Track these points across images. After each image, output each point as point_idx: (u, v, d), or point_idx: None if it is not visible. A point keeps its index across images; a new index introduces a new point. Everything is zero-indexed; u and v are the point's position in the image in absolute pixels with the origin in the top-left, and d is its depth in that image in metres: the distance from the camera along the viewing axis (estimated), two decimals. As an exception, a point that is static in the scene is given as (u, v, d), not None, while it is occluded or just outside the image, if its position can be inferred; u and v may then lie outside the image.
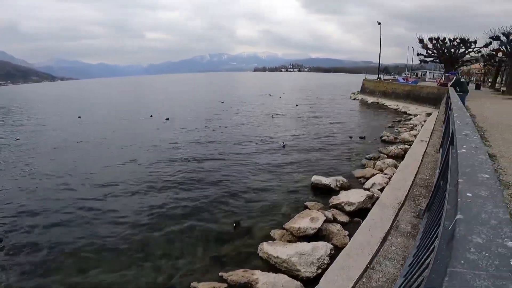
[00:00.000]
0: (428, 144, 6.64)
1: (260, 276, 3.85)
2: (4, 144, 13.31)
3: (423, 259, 1.36)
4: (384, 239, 2.69)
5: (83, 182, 8.21)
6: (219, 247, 5.05)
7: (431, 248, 1.30)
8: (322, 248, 4.25)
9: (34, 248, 5.10)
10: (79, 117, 20.59)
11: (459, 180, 1.31)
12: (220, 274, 4.15)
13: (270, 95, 37.31)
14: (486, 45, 25.86)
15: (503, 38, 21.91)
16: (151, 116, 20.32)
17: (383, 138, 12.43)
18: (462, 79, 11.90)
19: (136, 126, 17.06)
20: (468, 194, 1.17)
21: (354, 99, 32.05)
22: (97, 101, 37.08)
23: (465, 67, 41.89)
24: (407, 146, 10.07)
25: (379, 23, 35.60)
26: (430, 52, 28.99)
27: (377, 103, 26.36)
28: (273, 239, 4.97)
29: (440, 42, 27.92)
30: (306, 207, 6.15)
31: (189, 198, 7.05)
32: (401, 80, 32.54)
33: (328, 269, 3.19)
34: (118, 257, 4.83)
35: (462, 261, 0.74)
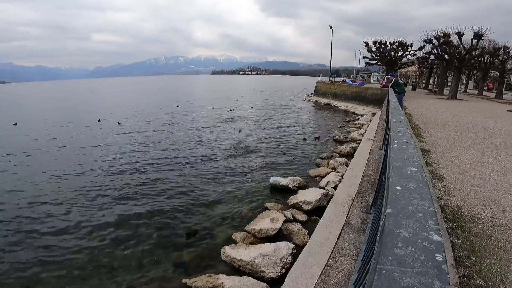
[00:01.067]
0: (373, 142, 7.14)
1: (225, 280, 3.83)
2: None
3: (371, 254, 1.40)
4: (340, 236, 2.80)
5: (21, 196, 7.31)
6: (180, 253, 4.90)
7: (375, 244, 1.28)
8: (284, 248, 4.35)
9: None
10: (15, 124, 18.30)
11: (390, 174, 1.35)
12: (183, 281, 4.05)
13: (228, 98, 37.20)
14: (420, 48, 28.16)
15: (434, 41, 24.02)
16: (99, 120, 19.08)
17: (335, 137, 13.16)
18: (400, 81, 12.97)
19: (82, 132, 15.71)
20: (398, 188, 1.20)
21: (309, 100, 33.52)
22: (36, 106, 33.25)
23: (403, 69, 46.32)
24: (356, 145, 10.74)
25: (330, 27, 36.85)
26: (374, 55, 30.80)
27: (329, 104, 27.94)
28: (236, 242, 4.96)
29: (382, 46, 29.87)
30: (266, 208, 6.22)
31: (145, 205, 6.72)
32: (350, 82, 34.98)
33: (292, 268, 3.26)
34: (71, 272, 4.45)
35: (390, 257, 0.75)
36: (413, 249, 0.78)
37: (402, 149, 1.80)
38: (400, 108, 6.03)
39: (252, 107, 26.28)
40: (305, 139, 13.11)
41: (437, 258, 0.75)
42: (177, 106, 27.23)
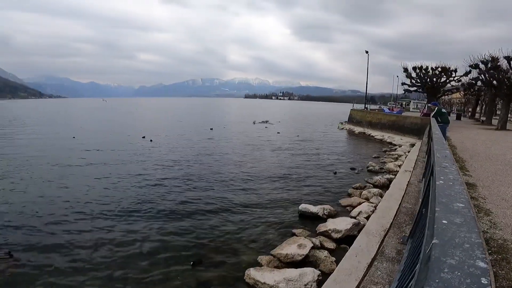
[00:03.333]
0: (411, 174, 6.87)
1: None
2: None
3: (406, 282, 1.40)
4: (370, 265, 2.74)
5: (65, 203, 7.97)
6: (204, 272, 4.93)
7: (414, 271, 1.33)
8: (310, 274, 4.23)
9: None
10: (74, 137, 20.16)
11: (436, 208, 1.38)
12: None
13: (267, 121, 37.67)
14: (466, 74, 25.77)
15: (481, 66, 21.92)
16: (144, 137, 20.75)
17: (369, 168, 12.68)
18: (443, 110, 12.19)
19: (128, 148, 16.96)
20: (444, 221, 1.22)
21: (342, 129, 32.52)
22: (89, 121, 37.01)
23: (446, 97, 43.23)
24: (392, 176, 10.32)
25: (366, 52, 35.35)
26: (414, 81, 28.75)
27: (364, 133, 26.79)
28: (260, 265, 4.92)
29: (423, 71, 27.74)
30: (293, 234, 6.15)
31: (172, 222, 6.93)
32: (387, 110, 33.52)
33: (316, 296, 3.16)
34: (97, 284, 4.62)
35: (437, 280, 0.79)
36: (459, 273, 0.82)
37: (448, 185, 1.83)
38: (445, 141, 5.73)
39: (278, 132, 26.29)
40: (335, 173, 12.03)
41: (482, 281, 0.79)
42: (211, 129, 27.99)
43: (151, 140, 19.39)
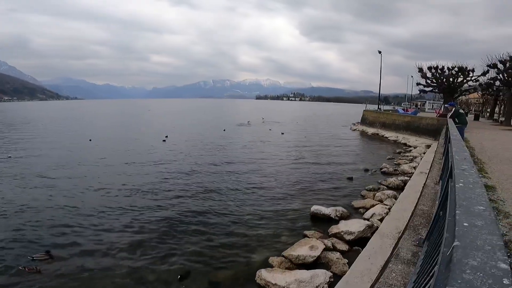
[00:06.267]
0: (427, 176, 6.72)
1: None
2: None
3: (423, 284, 1.42)
4: (384, 267, 2.73)
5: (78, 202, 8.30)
6: (215, 272, 4.99)
7: (431, 273, 1.36)
8: (321, 275, 4.22)
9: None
10: (90, 140, 20.57)
11: (457, 211, 1.40)
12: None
13: (277, 122, 37.41)
14: (483, 74, 25.15)
15: (500, 65, 21.48)
16: (166, 136, 21.62)
17: (383, 169, 12.46)
18: (461, 110, 11.90)
19: (146, 148, 17.47)
20: (465, 224, 1.24)
21: (355, 130, 31.98)
22: (105, 123, 37.97)
23: (463, 97, 41.80)
24: (406, 178, 10.12)
25: (379, 52, 34.83)
26: (429, 81, 28.14)
27: (377, 134, 26.30)
28: (272, 267, 4.92)
29: (439, 71, 27.20)
30: (305, 236, 6.13)
31: (183, 221, 7.04)
32: (401, 111, 32.71)
33: (328, 297, 3.15)
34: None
35: (459, 281, 0.81)
36: (481, 274, 0.85)
37: (468, 188, 1.85)
38: (463, 144, 5.60)
39: (282, 133, 26.26)
40: (350, 178, 11.19)
41: (504, 282, 0.81)
42: (224, 130, 28.12)
43: (165, 137, 20.61)
